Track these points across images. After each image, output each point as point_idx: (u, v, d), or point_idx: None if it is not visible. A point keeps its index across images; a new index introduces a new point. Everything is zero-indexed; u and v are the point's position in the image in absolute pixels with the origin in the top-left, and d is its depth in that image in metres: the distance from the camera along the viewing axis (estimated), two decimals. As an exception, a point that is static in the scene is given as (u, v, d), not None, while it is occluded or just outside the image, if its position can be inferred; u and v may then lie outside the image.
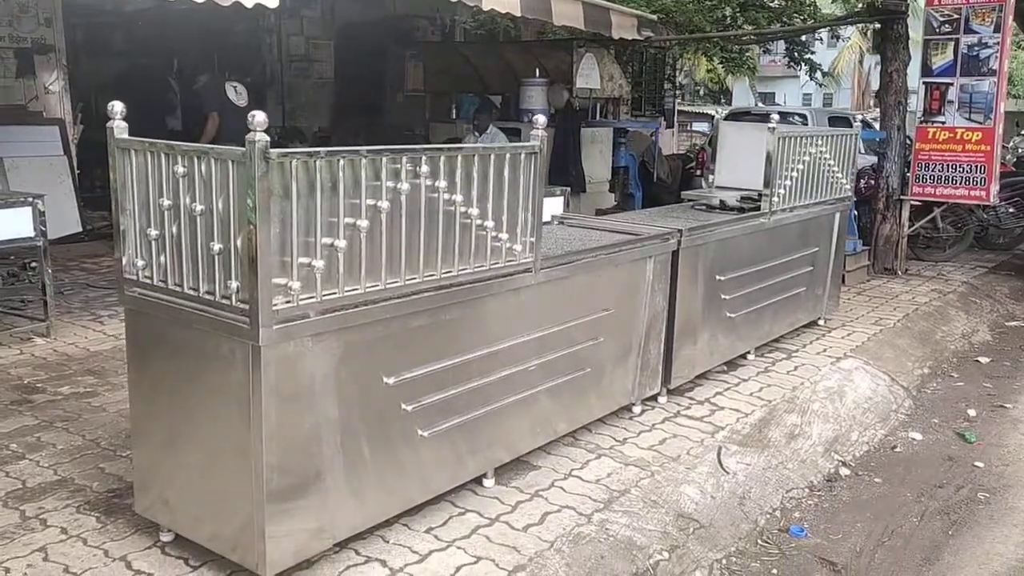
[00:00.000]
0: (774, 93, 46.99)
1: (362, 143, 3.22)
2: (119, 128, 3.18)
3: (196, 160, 2.96)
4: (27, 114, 9.80)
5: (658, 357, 5.05)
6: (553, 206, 6.36)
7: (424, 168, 3.32)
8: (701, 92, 37.00)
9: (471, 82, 12.33)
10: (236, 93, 9.09)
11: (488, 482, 4.06)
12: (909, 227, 9.56)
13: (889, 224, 9.46)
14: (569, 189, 7.44)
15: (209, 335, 3.04)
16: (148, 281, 3.22)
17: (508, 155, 3.71)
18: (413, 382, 3.47)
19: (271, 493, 3.00)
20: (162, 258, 3.16)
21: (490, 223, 3.66)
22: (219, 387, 3.06)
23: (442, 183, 3.41)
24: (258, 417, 2.93)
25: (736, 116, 12.88)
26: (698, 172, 13.40)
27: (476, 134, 10.03)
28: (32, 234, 5.94)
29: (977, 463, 5.10)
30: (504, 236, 3.75)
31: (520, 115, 11.17)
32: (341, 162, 3.02)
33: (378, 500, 3.45)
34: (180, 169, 3.00)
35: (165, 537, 3.47)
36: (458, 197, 3.49)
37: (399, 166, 3.23)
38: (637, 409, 5.06)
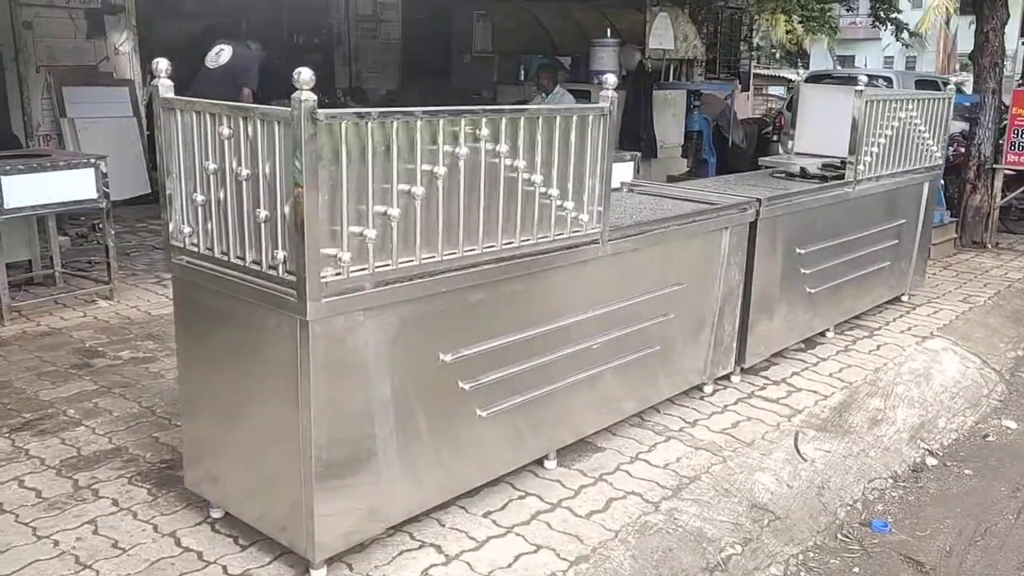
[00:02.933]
0: (854, 56, 45.33)
1: (429, 106, 2.97)
2: (164, 87, 3.03)
3: (242, 121, 2.78)
4: (98, 75, 9.84)
5: (732, 334, 4.77)
6: (623, 172, 6.08)
7: (484, 131, 3.09)
8: (777, 55, 35.84)
9: (540, 43, 12.01)
10: (215, 55, 8.69)
11: (550, 464, 3.87)
12: (1002, 198, 9.00)
13: (980, 194, 8.92)
14: (640, 155, 7.15)
15: (256, 307, 2.88)
16: (195, 249, 3.07)
17: (575, 117, 3.46)
18: (471, 359, 3.27)
19: (320, 473, 2.85)
20: (209, 225, 3.00)
21: (555, 191, 3.43)
22: (266, 361, 2.91)
23: (503, 147, 3.17)
24: (307, 394, 2.77)
25: (816, 79, 12.31)
26: (775, 137, 12.91)
27: (542, 95, 9.71)
28: (95, 196, 5.89)
29: (1079, 456, 4.72)
30: (570, 205, 3.51)
31: (590, 76, 10.82)
32: (395, 124, 2.81)
33: (434, 482, 3.28)
34: (225, 130, 2.83)
35: (215, 514, 3.36)
36: (520, 163, 3.26)
37: (458, 128, 3.00)
38: (708, 389, 4.80)
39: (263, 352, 2.92)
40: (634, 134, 10.38)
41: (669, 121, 10.94)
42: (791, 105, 12.60)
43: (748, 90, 18.79)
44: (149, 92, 10.42)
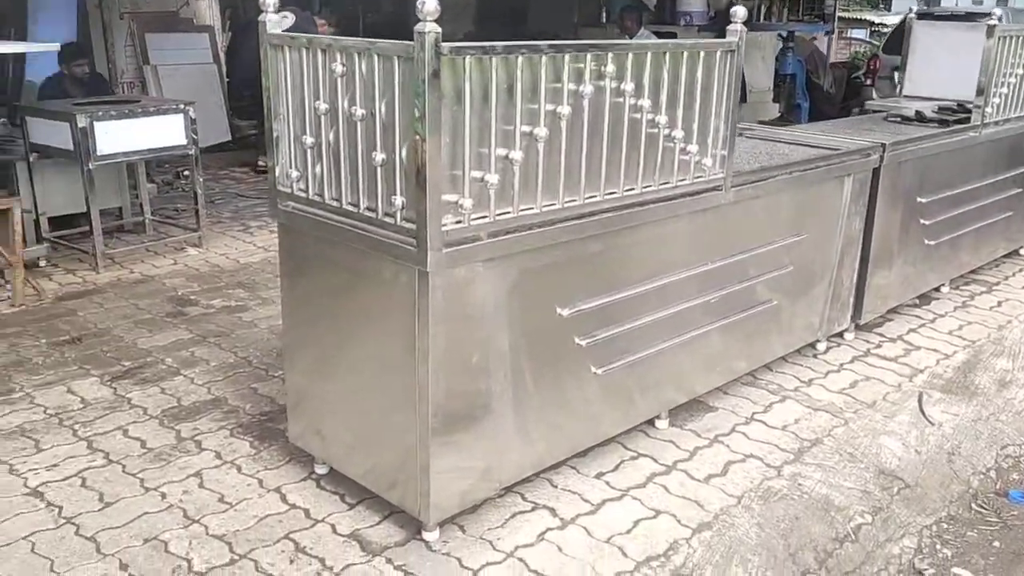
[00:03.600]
0: (940, -5, 43.16)
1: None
2: (271, 22, 2.85)
3: (357, 57, 2.59)
4: (178, 21, 9.77)
5: (850, 288, 4.49)
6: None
7: (610, 68, 2.85)
8: (858, -4, 34.33)
9: (624, -18, 11.54)
10: (276, 21, 8.60)
11: (661, 423, 3.68)
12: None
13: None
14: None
15: (370, 256, 2.72)
16: (303, 194, 2.91)
17: (702, 54, 3.19)
18: (589, 314, 3.08)
19: (437, 430, 2.70)
20: (318, 169, 2.84)
21: (679, 133, 3.18)
22: (380, 313, 2.75)
23: (628, 86, 2.94)
24: (424, 347, 2.61)
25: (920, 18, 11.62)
26: (868, 82, 12.30)
27: (627, 37, 9.35)
28: (184, 142, 5.81)
29: None
30: (693, 148, 3.26)
31: (676, 18, 10.39)
32: (519, 59, 2.59)
33: (547, 441, 3.12)
34: (338, 68, 2.64)
35: (320, 470, 3.26)
36: (645, 102, 3.02)
37: (582, 65, 2.77)
38: (822, 346, 4.53)
39: (376, 303, 2.76)
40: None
41: (758, 64, 10.47)
42: (887, 47, 11.98)
43: (833, 32, 18.02)
44: (229, 39, 10.39)
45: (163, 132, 5.69)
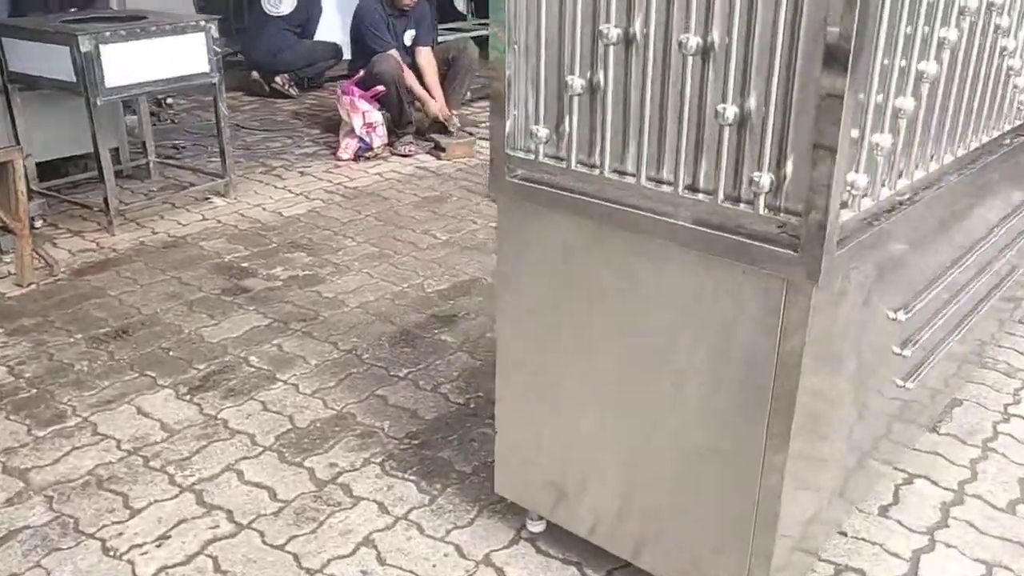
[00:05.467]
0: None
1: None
2: (519, -99, 1.88)
3: (694, -44, 1.67)
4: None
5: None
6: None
7: (994, -17, 1.99)
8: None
9: None
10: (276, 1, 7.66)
11: (917, 429, 2.94)
12: None
13: None
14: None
15: (687, 257, 1.82)
16: (556, 162, 1.99)
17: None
18: (917, 316, 2.27)
19: (786, 502, 1.88)
20: (585, 126, 1.92)
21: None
22: (693, 334, 1.88)
23: (1004, 20, 2.09)
24: (788, 388, 1.75)
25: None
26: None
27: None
28: (207, 68, 4.72)
29: None
30: (1025, 88, 2.45)
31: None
32: (931, -39, 1.72)
33: (859, 483, 2.35)
34: (652, -26, 1.71)
35: (534, 528, 2.42)
36: (1011, 42, 2.19)
37: (972, -27, 1.91)
38: (1027, 310, 3.84)
39: (689, 322, 1.88)
40: None
41: None
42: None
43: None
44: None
45: (182, 57, 4.59)
